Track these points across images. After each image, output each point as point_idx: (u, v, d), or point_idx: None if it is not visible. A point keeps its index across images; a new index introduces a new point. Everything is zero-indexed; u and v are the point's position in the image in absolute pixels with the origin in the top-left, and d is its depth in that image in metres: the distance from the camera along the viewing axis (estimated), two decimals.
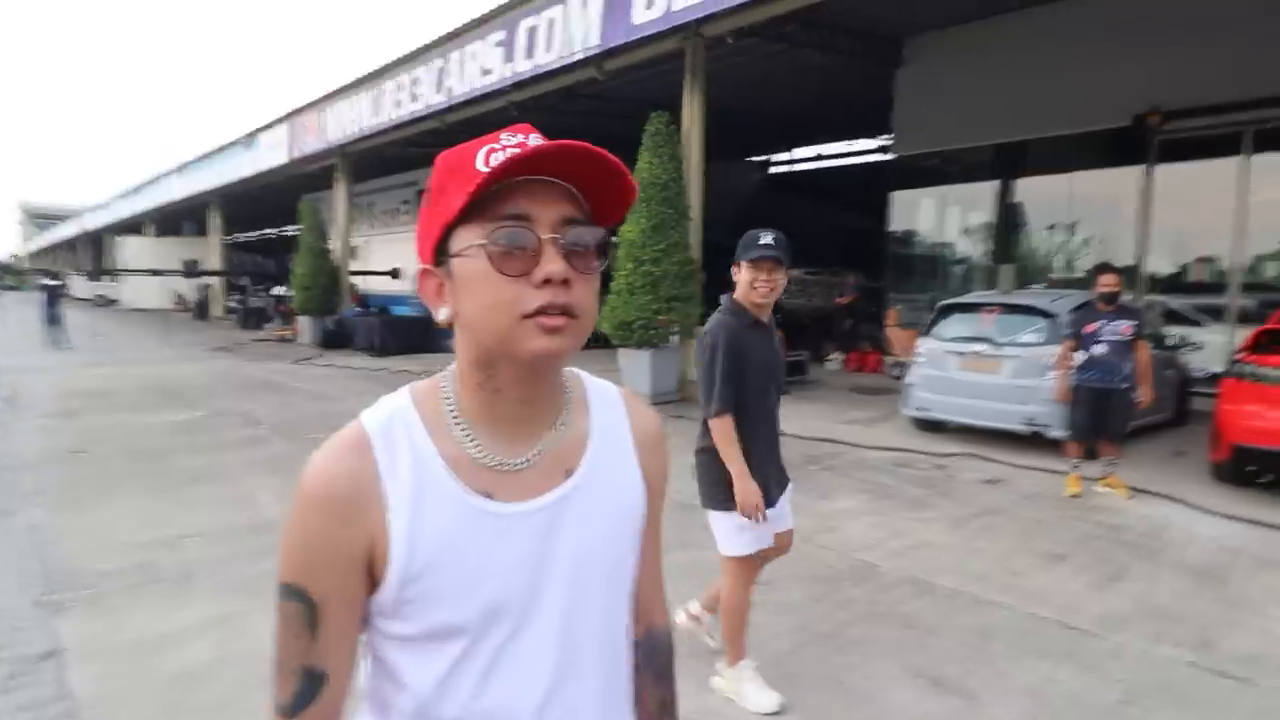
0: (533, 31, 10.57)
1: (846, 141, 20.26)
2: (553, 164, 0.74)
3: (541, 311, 0.73)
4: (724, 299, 2.79)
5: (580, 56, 9.83)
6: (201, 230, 29.97)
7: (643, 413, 0.94)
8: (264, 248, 37.41)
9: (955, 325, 7.43)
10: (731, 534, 2.76)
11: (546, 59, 10.37)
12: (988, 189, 12.02)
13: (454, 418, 0.80)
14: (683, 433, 7.43)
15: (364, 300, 18.44)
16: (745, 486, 2.67)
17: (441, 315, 0.80)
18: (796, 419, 8.23)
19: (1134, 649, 3.29)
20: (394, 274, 20.53)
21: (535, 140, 0.76)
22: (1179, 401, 7.80)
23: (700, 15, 8.40)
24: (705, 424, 2.75)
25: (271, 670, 0.79)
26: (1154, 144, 9.80)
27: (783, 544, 2.97)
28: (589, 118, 14.13)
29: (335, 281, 17.93)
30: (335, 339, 16.50)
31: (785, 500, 2.89)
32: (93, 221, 41.66)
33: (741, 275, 2.69)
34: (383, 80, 14.76)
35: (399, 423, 0.79)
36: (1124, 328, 5.46)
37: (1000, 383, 6.66)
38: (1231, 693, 2.95)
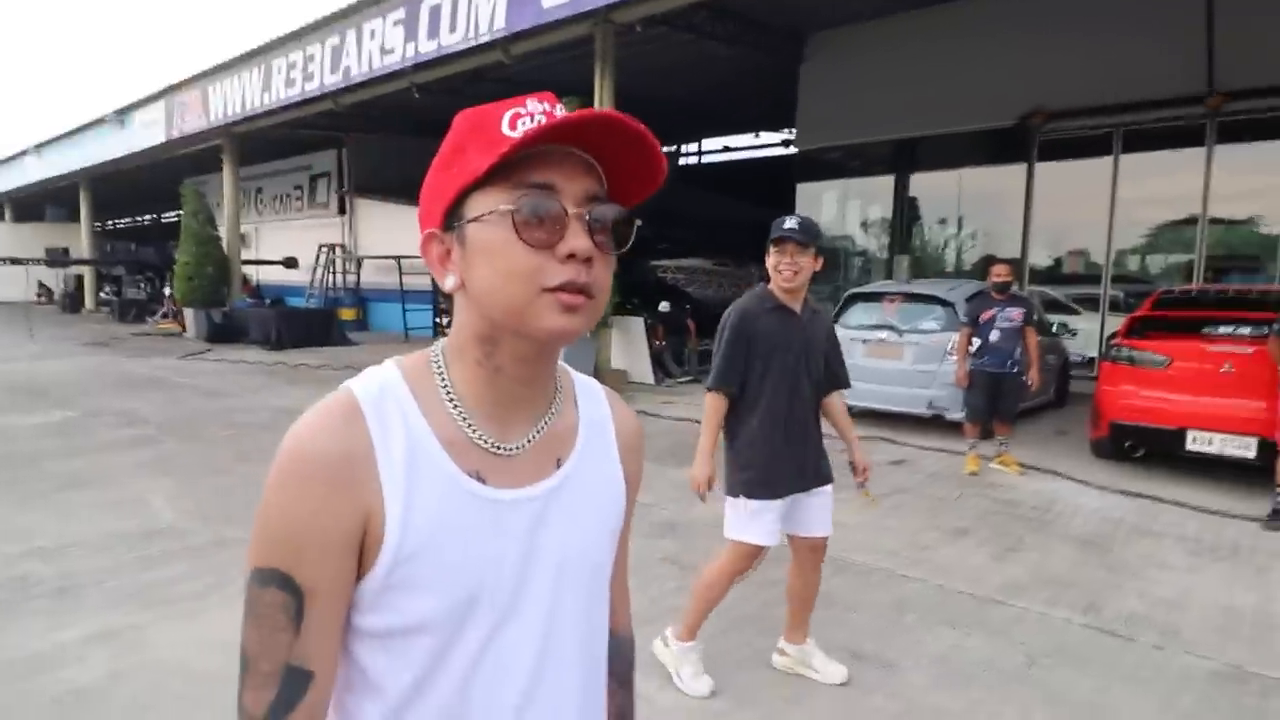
0: (435, 10, 10.22)
1: (754, 134, 20.67)
2: (586, 135, 0.70)
3: (562, 288, 0.69)
4: (759, 284, 2.76)
5: (487, 38, 9.59)
6: (69, 216, 27.60)
7: (626, 413, 0.92)
8: (139, 235, 34.84)
9: (860, 314, 7.72)
10: (734, 519, 2.73)
11: (451, 40, 10.06)
12: (886, 183, 12.54)
13: (447, 395, 0.75)
14: None
15: (257, 291, 17.45)
16: (698, 462, 2.68)
17: (449, 283, 0.74)
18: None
19: (1032, 614, 3.51)
20: (289, 263, 19.54)
21: (561, 109, 0.72)
22: (1060, 384, 8.39)
23: (610, 1, 8.35)
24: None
25: (241, 675, 0.70)
26: (1036, 143, 10.47)
27: (814, 547, 2.82)
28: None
29: (224, 271, 16.87)
30: (225, 332, 15.52)
31: (811, 503, 2.76)
32: None
33: (769, 260, 2.65)
34: (273, 56, 13.94)
35: (389, 395, 0.73)
36: (1015, 314, 5.82)
37: (903, 368, 6.97)
38: (1119, 650, 3.19)
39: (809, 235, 2.60)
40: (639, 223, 0.74)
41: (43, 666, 2.92)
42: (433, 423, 0.73)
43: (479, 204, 0.71)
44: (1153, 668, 3.05)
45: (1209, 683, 2.94)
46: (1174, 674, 3.01)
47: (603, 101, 9.57)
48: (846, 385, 2.91)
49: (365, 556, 0.70)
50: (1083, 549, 4.36)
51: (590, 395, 0.88)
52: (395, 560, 0.69)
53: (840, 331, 7.71)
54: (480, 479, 0.74)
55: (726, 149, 22.63)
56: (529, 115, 0.70)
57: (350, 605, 0.72)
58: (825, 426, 2.86)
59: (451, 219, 0.73)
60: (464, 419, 0.75)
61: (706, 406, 2.73)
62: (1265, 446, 4.98)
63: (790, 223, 2.61)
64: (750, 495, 2.68)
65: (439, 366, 0.77)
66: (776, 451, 2.67)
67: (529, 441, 0.77)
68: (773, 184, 15.54)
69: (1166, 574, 4.01)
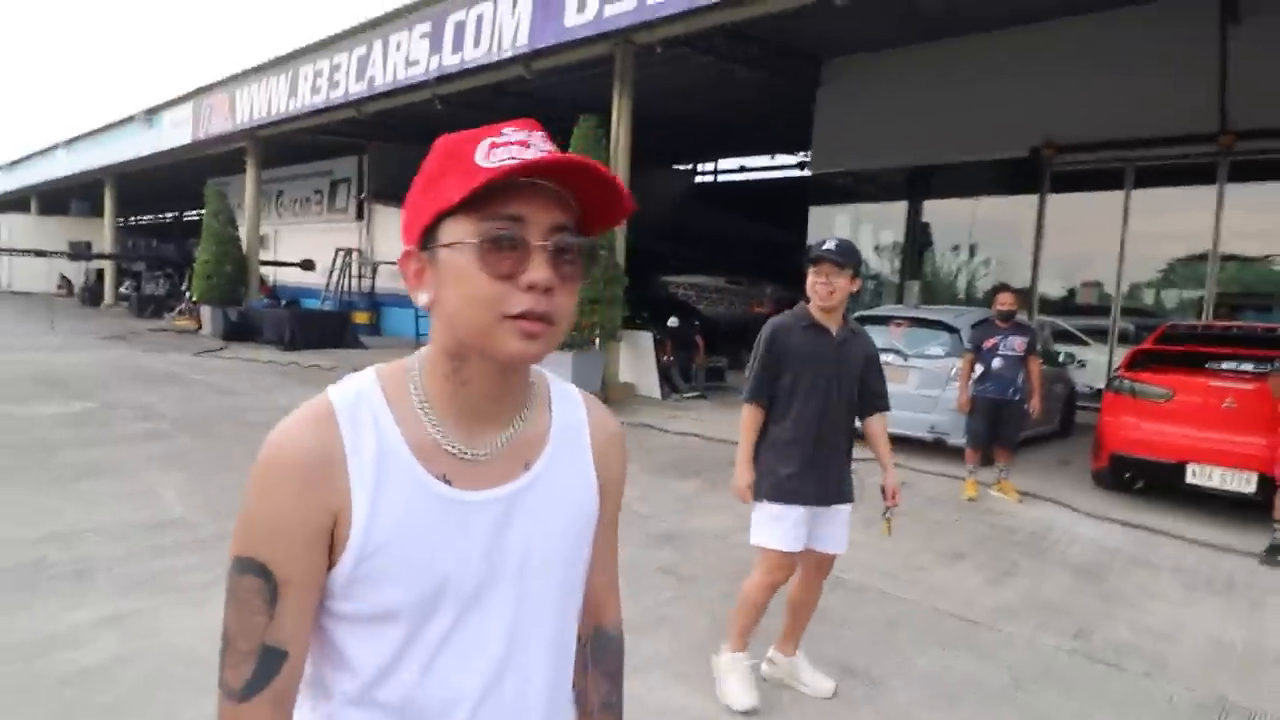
0: (460, 25, 10.45)
1: (769, 156, 20.83)
2: (554, 172, 0.74)
3: (523, 316, 0.74)
4: (801, 303, 2.85)
5: (509, 54, 9.79)
6: (93, 210, 28.06)
7: (602, 416, 0.95)
8: (160, 231, 35.34)
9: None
10: (758, 523, 2.81)
11: (474, 54, 10.27)
12: (899, 209, 12.63)
13: (420, 402, 0.80)
14: None
15: (274, 292, 17.68)
16: (739, 471, 2.80)
17: (421, 299, 0.79)
18: (712, 422, 8.43)
19: (1022, 638, 3.56)
20: (306, 265, 19.80)
21: (539, 139, 0.76)
22: (1066, 414, 8.41)
23: (631, 23, 8.52)
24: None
25: (221, 654, 0.76)
26: (1048, 175, 10.55)
27: (820, 563, 2.89)
28: (515, 118, 14.07)
29: (242, 270, 17.12)
30: (240, 331, 15.73)
31: (830, 519, 2.81)
32: None
33: (808, 279, 2.73)
34: (300, 63, 14.24)
35: (364, 402, 0.79)
36: (1018, 344, 5.88)
37: (907, 392, 7.02)
38: (1105, 677, 3.23)
39: (846, 257, 2.67)
40: (604, 252, 0.82)
41: (55, 646, 3.02)
42: (404, 429, 0.79)
43: (450, 231, 0.75)
44: (1138, 696, 3.09)
45: (1193, 713, 2.98)
46: (1159, 703, 3.04)
47: (620, 119, 9.73)
48: (885, 408, 2.93)
49: (334, 550, 0.76)
50: (1077, 577, 4.40)
51: (566, 401, 0.92)
52: (360, 555, 0.75)
53: None
54: (447, 481, 0.79)
55: (743, 169, 22.80)
56: (505, 145, 0.74)
57: (324, 592, 0.78)
58: (858, 449, 2.91)
59: (427, 240, 0.77)
60: (434, 426, 0.80)
61: (743, 416, 2.85)
62: (1265, 482, 5.01)
63: (829, 244, 2.70)
64: (772, 499, 2.76)
65: (414, 376, 0.82)
66: (802, 462, 2.74)
67: (498, 448, 0.82)
68: (787, 205, 15.66)
69: (1159, 605, 4.04)
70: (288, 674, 0.76)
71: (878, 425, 2.93)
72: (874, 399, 2.90)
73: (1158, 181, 9.91)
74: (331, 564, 0.76)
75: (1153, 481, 5.89)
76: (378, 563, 0.76)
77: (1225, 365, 5.62)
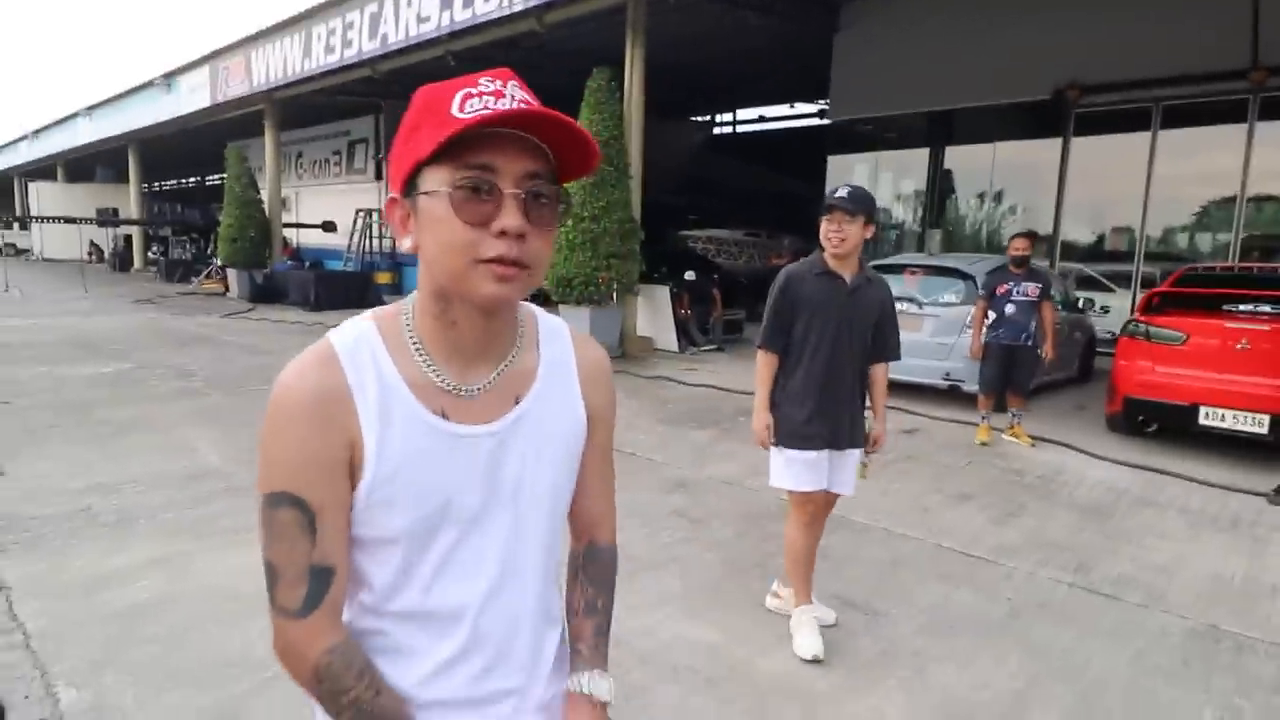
0: None
1: (787, 105, 20.44)
2: (523, 122, 0.78)
3: (496, 260, 0.78)
4: (816, 251, 2.89)
5: (520, 7, 9.68)
6: (118, 177, 28.39)
7: (588, 349, 1.02)
8: (185, 196, 35.71)
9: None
10: (777, 468, 2.92)
11: (486, 8, 10.17)
12: (919, 156, 12.41)
13: (414, 344, 0.87)
14: (624, 388, 7.61)
15: (297, 253, 17.90)
16: (756, 417, 2.90)
17: (405, 244, 0.84)
18: (729, 374, 8.52)
19: (1022, 573, 3.67)
20: (327, 226, 19.97)
21: (513, 88, 0.80)
22: (1085, 360, 8.38)
23: None
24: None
25: (271, 582, 0.83)
26: (1072, 117, 10.30)
27: (828, 501, 2.99)
28: (529, 71, 13.92)
29: (265, 233, 17.34)
30: (266, 293, 16.02)
31: (841, 463, 2.91)
32: None
33: (821, 228, 2.77)
34: (314, 23, 14.17)
35: (364, 344, 0.85)
36: (1031, 289, 5.86)
37: (922, 340, 7.04)
38: (1101, 608, 3.34)
39: (858, 204, 2.69)
40: (571, 198, 0.90)
41: (104, 586, 3.24)
42: (401, 368, 0.85)
43: (428, 180, 0.79)
44: (1132, 625, 3.19)
45: (1185, 639, 3.08)
46: (1152, 631, 3.15)
47: (634, 71, 9.63)
48: (895, 357, 2.98)
49: (353, 477, 0.83)
50: (1083, 516, 4.48)
51: (553, 336, 0.99)
52: (372, 485, 0.83)
53: None
54: (444, 416, 0.86)
55: (761, 119, 22.41)
56: (479, 95, 0.78)
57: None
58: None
59: (409, 188, 0.82)
60: (428, 365, 0.87)
61: (757, 363, 2.92)
62: (1277, 423, 5.01)
63: (841, 191, 2.73)
64: (786, 445, 2.87)
65: (408, 319, 0.88)
66: (813, 409, 2.82)
67: (489, 384, 0.89)
68: (806, 155, 15.45)
69: (1163, 542, 4.12)
70: (338, 586, 0.85)
71: (880, 372, 2.99)
72: (883, 347, 2.95)
73: (1185, 121, 9.63)
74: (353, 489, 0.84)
75: (1166, 424, 5.90)
76: (387, 491, 0.83)
77: (1242, 307, 5.57)
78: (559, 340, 0.99)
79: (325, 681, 0.84)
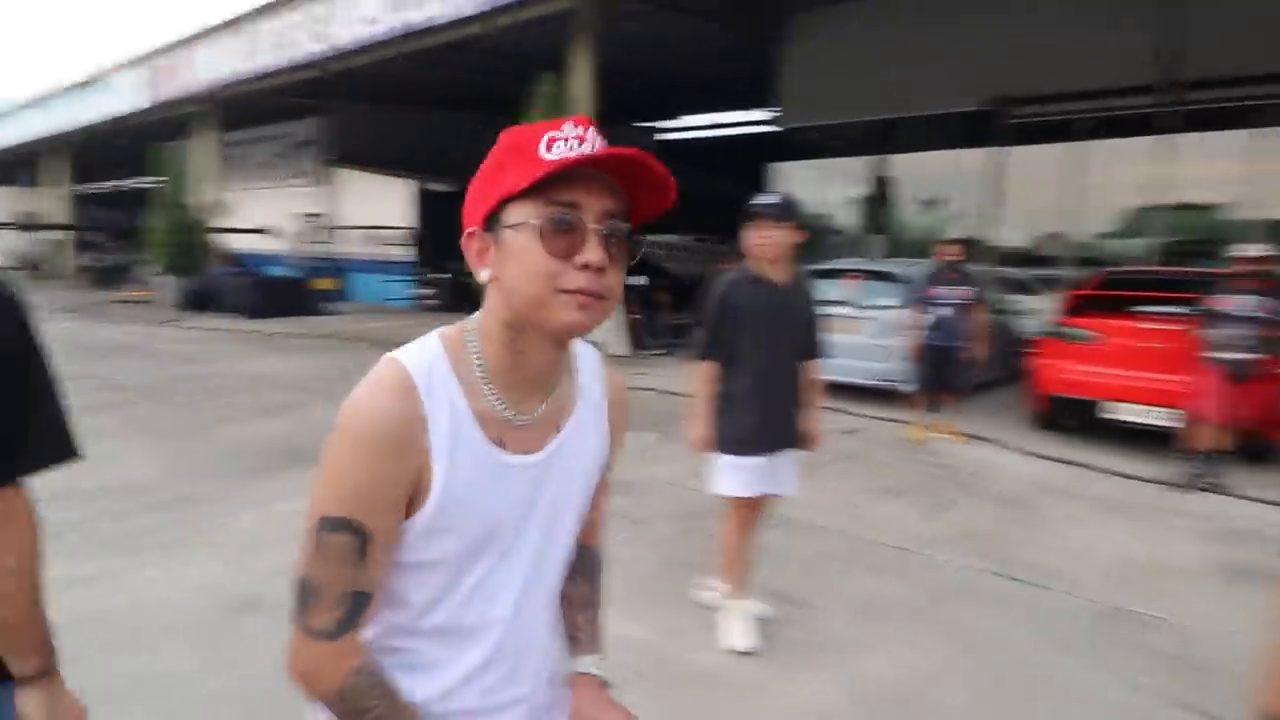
0: None
1: (736, 112, 20.73)
2: (608, 164, 0.84)
3: (578, 291, 0.83)
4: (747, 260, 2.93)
5: (471, 11, 9.68)
6: (45, 180, 27.26)
7: (613, 376, 1.08)
8: (117, 200, 34.44)
9: (822, 290, 7.96)
10: (719, 474, 2.97)
11: (434, 11, 10.15)
12: (863, 164, 12.76)
13: (481, 374, 0.90)
14: None
15: (236, 259, 17.42)
16: (695, 427, 2.95)
17: (483, 276, 0.88)
18: (677, 376, 8.62)
19: (949, 563, 3.83)
20: (265, 231, 19.50)
21: (592, 134, 0.85)
22: (1013, 361, 8.70)
23: None
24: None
25: (305, 598, 0.85)
26: (1006, 127, 10.72)
27: (768, 502, 3.07)
28: (478, 75, 13.91)
29: (198, 238, 16.82)
30: (199, 300, 15.46)
31: (781, 464, 2.97)
32: None
33: (749, 235, 2.83)
34: (257, 22, 13.91)
35: (437, 373, 0.88)
36: (962, 293, 6.11)
37: (860, 342, 7.25)
38: (1018, 593, 3.52)
39: (782, 211, 2.78)
40: (648, 238, 0.96)
41: None
42: (468, 397, 0.89)
43: (514, 214, 0.84)
44: (1048, 609, 3.37)
45: (1094, 621, 3.27)
46: (1064, 613, 3.33)
47: (583, 77, 9.70)
48: (820, 355, 3.08)
49: (411, 506, 0.86)
50: (1007, 509, 4.69)
51: (586, 363, 1.04)
52: (436, 512, 0.87)
53: None
54: (501, 445, 0.91)
55: (711, 126, 22.68)
56: (564, 140, 0.83)
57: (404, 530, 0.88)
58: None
59: (490, 222, 0.87)
60: (494, 395, 0.91)
61: (696, 372, 2.96)
62: (1181, 417, 5.32)
63: (765, 200, 2.82)
64: (729, 452, 2.92)
65: (474, 346, 0.91)
66: (755, 414, 2.88)
67: (540, 413, 0.94)
68: (753, 161, 15.70)
69: (1078, 530, 4.35)
70: (371, 610, 0.89)
71: (812, 370, 3.07)
72: (813, 347, 3.04)
73: (1112, 133, 10.12)
74: (407, 518, 0.87)
75: (1081, 419, 6.20)
76: (445, 520, 0.88)
77: (1154, 309, 5.90)
78: (590, 367, 1.04)
79: (349, 700, 0.88)
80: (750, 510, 3.02)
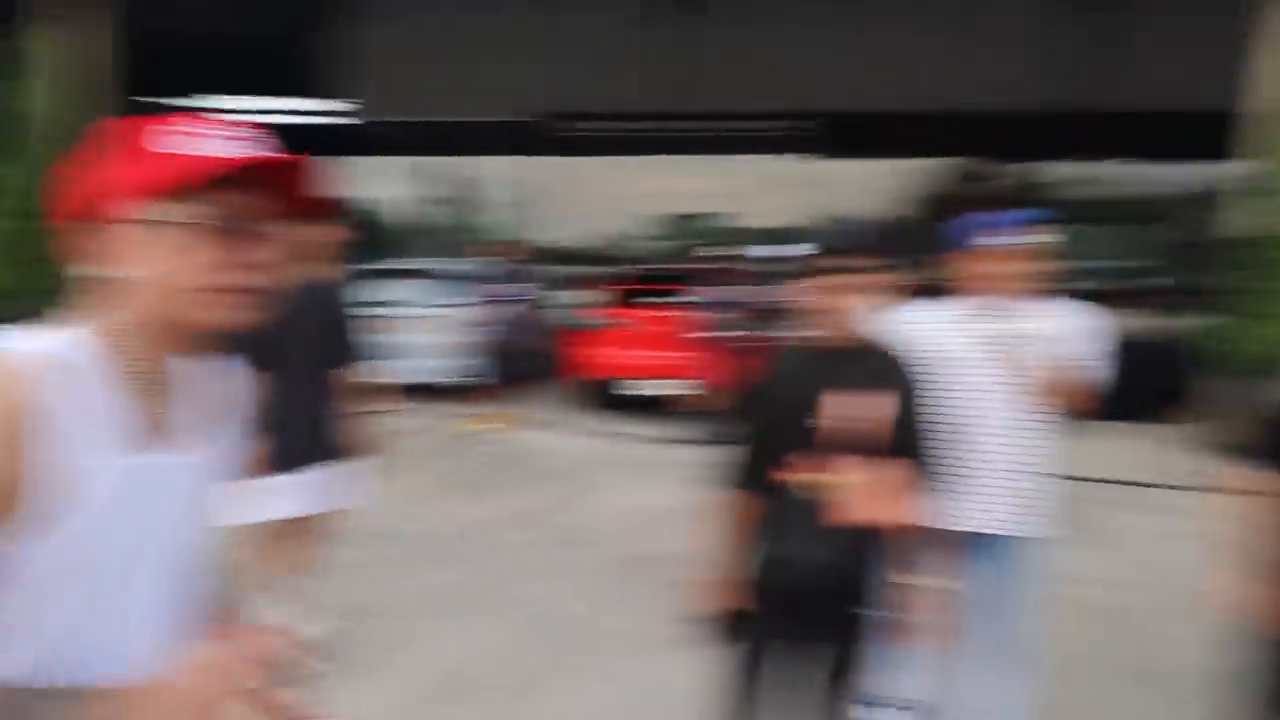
0: None
1: (296, 99, 19.14)
2: (260, 165, 0.83)
3: (216, 289, 0.83)
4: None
5: None
6: None
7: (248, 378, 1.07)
8: None
9: (379, 289, 7.89)
10: (258, 499, 2.65)
11: None
12: (438, 164, 12.91)
13: (114, 370, 0.85)
14: None
15: None
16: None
17: (119, 273, 0.83)
18: None
19: (506, 540, 4.25)
20: None
21: (242, 133, 0.84)
22: (556, 352, 9.74)
23: None
24: None
25: None
26: (553, 138, 11.81)
27: (320, 522, 2.92)
28: None
29: None
30: None
31: (330, 477, 2.83)
32: None
33: None
34: None
35: (64, 365, 0.81)
36: (515, 289, 6.71)
37: (421, 341, 7.41)
38: (563, 555, 4.07)
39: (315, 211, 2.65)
40: (274, 233, 0.90)
41: None
42: (103, 393, 0.84)
43: (146, 209, 0.81)
44: (585, 564, 3.95)
45: (617, 566, 3.92)
46: (597, 564, 3.94)
47: (92, 35, 8.02)
48: (364, 358, 3.01)
49: (30, 504, 0.79)
50: (553, 482, 5.35)
51: (213, 369, 1.00)
52: (57, 510, 0.80)
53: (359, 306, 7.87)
54: (137, 448, 0.86)
55: (268, 111, 20.57)
56: (209, 137, 0.82)
57: (18, 534, 0.80)
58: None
59: (130, 216, 0.82)
60: (128, 392, 0.86)
61: None
62: (683, 388, 6.60)
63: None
64: (272, 472, 2.66)
65: (107, 342, 0.86)
66: (294, 428, 2.70)
67: (173, 414, 0.92)
68: (326, 154, 14.71)
69: (611, 493, 5.13)
70: None
71: (352, 376, 2.99)
72: (349, 351, 2.96)
73: (644, 150, 11.70)
74: (32, 518, 0.80)
75: (610, 397, 7.32)
76: (70, 518, 0.81)
77: (660, 299, 7.23)
78: (225, 370, 1.02)
79: None
80: (293, 532, 2.88)
